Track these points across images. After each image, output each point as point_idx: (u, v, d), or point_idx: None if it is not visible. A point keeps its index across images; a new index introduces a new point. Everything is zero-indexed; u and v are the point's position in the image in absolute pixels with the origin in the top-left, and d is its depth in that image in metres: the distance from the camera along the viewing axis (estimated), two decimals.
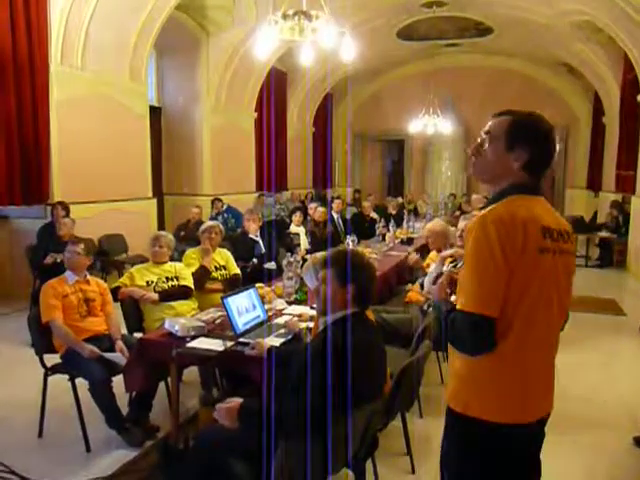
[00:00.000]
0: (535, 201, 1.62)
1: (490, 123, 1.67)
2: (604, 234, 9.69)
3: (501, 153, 1.62)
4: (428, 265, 4.61)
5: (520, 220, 1.51)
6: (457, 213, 10.50)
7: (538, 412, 1.65)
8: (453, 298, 1.70)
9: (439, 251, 4.68)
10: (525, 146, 1.59)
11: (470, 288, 1.52)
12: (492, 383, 1.58)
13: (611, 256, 9.67)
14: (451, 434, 1.70)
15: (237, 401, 2.12)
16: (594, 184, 12.60)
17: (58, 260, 4.98)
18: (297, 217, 7.49)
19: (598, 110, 12.39)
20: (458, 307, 1.54)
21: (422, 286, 4.43)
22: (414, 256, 4.99)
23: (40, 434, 3.36)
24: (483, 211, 1.59)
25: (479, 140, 1.68)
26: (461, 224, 4.03)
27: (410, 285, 4.69)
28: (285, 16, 4.29)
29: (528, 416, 1.61)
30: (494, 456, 1.61)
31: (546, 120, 1.64)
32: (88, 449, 3.19)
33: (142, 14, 7.32)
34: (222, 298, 3.06)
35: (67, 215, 6.30)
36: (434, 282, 1.82)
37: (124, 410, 3.37)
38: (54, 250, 5.24)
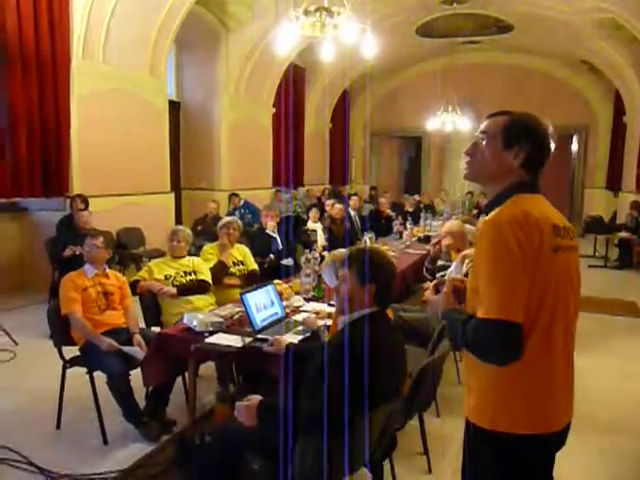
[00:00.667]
0: (538, 199, 1.60)
1: (485, 123, 1.65)
2: (624, 235, 9.56)
3: (499, 151, 1.59)
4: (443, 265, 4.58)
5: (534, 219, 1.48)
6: (475, 212, 10.43)
7: (564, 418, 1.61)
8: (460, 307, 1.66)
9: (458, 251, 4.65)
10: (524, 143, 1.57)
11: (491, 294, 1.45)
12: (519, 393, 1.52)
13: (631, 257, 9.54)
14: (478, 453, 1.62)
15: (256, 399, 2.11)
16: (614, 184, 12.44)
17: (77, 253, 4.99)
18: (313, 213, 7.50)
19: (619, 109, 12.22)
20: (480, 315, 1.47)
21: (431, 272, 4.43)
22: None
23: (58, 426, 3.40)
24: (492, 213, 1.55)
25: (474, 140, 1.65)
26: (480, 223, 3.99)
27: (428, 283, 4.65)
28: (307, 12, 4.27)
29: (556, 424, 1.57)
30: (527, 469, 1.56)
31: (542, 120, 1.62)
32: (105, 442, 3.22)
33: (163, 9, 7.34)
34: (241, 294, 3.06)
35: (86, 208, 6.36)
36: (435, 292, 1.76)
37: (141, 404, 3.40)
38: (73, 243, 5.27)
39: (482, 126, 1.65)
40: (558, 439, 1.61)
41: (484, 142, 1.62)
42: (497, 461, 1.57)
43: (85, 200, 6.38)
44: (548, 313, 1.49)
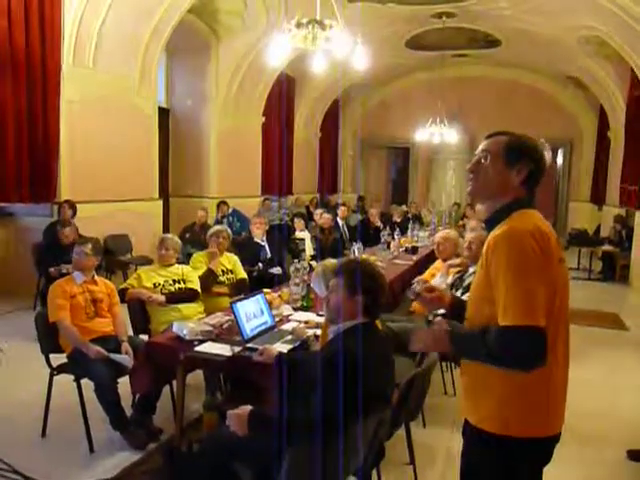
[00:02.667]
0: (537, 214, 1.68)
1: (486, 142, 1.73)
2: (607, 248, 9.70)
3: (501, 169, 1.67)
4: (433, 275, 4.63)
5: (545, 232, 1.57)
6: (461, 223, 10.52)
7: (562, 420, 1.70)
8: (441, 311, 1.73)
9: (445, 260, 4.70)
10: (526, 162, 1.66)
11: (516, 301, 1.49)
12: (535, 397, 1.59)
13: (614, 270, 9.67)
14: (485, 457, 1.68)
15: (247, 408, 2.12)
16: (598, 198, 12.61)
17: (63, 271, 4.91)
18: (298, 223, 7.50)
19: (603, 124, 12.42)
20: (505, 323, 1.51)
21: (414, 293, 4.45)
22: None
23: (44, 433, 3.37)
24: (498, 227, 1.62)
25: (476, 158, 1.73)
26: (469, 235, 4.05)
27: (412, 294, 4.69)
28: (299, 25, 4.32)
29: (560, 425, 1.67)
30: (534, 471, 1.66)
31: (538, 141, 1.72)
32: (92, 450, 3.21)
33: (154, 17, 7.36)
34: (231, 303, 3.08)
35: (74, 214, 6.34)
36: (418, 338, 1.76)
37: (128, 412, 3.38)
38: (59, 253, 5.24)
39: (483, 145, 1.73)
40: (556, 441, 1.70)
41: (487, 160, 1.70)
42: (508, 465, 1.64)
43: (73, 206, 6.37)
44: (555, 321, 1.56)
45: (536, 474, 1.69)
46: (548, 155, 1.73)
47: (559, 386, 1.64)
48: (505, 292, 1.52)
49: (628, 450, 3.39)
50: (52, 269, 5.18)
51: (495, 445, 1.62)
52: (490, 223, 1.70)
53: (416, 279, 4.74)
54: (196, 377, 3.84)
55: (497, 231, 1.60)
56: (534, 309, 1.48)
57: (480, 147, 1.74)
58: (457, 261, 4.19)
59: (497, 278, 1.55)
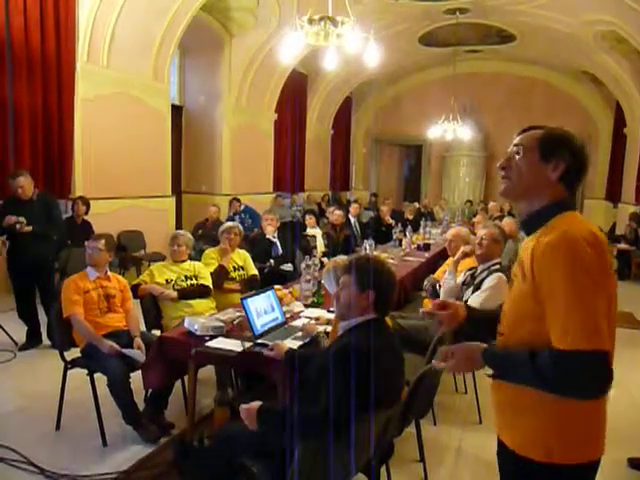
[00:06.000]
0: (582, 217, 1.51)
1: (520, 136, 1.58)
2: (622, 246, 9.60)
3: (536, 164, 1.51)
4: (445, 272, 4.61)
5: (600, 239, 1.39)
6: (474, 220, 10.46)
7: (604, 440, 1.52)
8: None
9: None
10: (562, 155, 1.50)
11: (576, 322, 1.31)
12: (582, 420, 1.44)
13: (629, 268, 9.57)
14: None
15: (257, 403, 2.14)
16: (613, 195, 12.49)
17: (19, 221, 4.61)
18: (309, 220, 7.49)
19: (619, 121, 12.29)
20: (564, 347, 1.32)
21: (433, 293, 4.44)
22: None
23: (58, 427, 3.41)
24: (551, 232, 1.42)
25: (508, 153, 1.58)
26: (481, 232, 4.02)
27: (425, 292, 4.68)
28: (311, 21, 4.31)
29: (603, 449, 1.49)
30: None
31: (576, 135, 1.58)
32: (104, 443, 3.24)
33: (167, 15, 7.41)
34: (242, 299, 3.09)
35: (87, 210, 6.41)
36: (443, 357, 1.57)
37: (140, 406, 3.42)
38: (75, 241, 5.26)
39: (516, 139, 1.58)
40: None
41: (519, 155, 1.54)
42: None
43: (87, 202, 6.43)
44: (611, 335, 1.39)
45: None
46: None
47: (604, 406, 1.48)
48: (565, 311, 1.33)
49: (629, 458, 3.25)
50: (7, 218, 4.64)
51: (537, 473, 1.46)
52: (528, 226, 1.54)
53: (428, 278, 4.76)
54: (208, 372, 3.86)
55: (544, 237, 1.41)
56: (599, 331, 1.31)
57: (514, 142, 1.58)
58: (459, 254, 4.19)
59: (552, 294, 1.36)
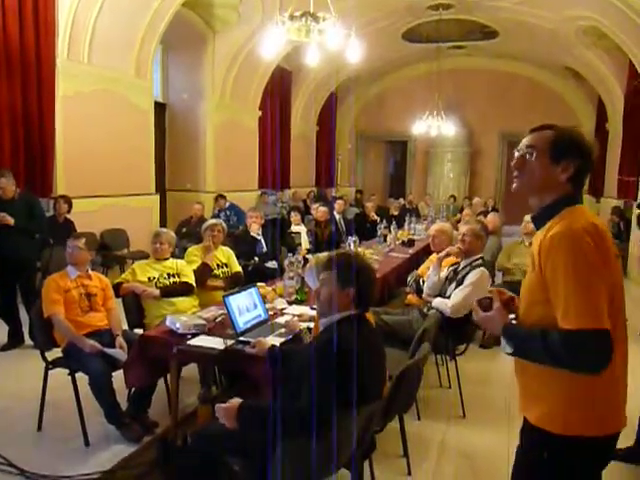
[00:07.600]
0: (587, 209, 1.64)
1: (531, 136, 1.68)
2: None
3: (547, 165, 1.62)
4: (428, 268, 4.63)
5: (602, 228, 1.55)
6: (458, 216, 10.52)
7: (625, 417, 1.65)
8: (511, 317, 1.68)
9: (437, 253, 4.69)
10: (572, 158, 1.61)
11: (579, 304, 1.46)
12: (595, 395, 1.56)
13: None
14: (543, 456, 1.62)
15: (236, 401, 2.13)
16: (596, 190, 12.59)
17: None
18: (294, 217, 7.48)
19: (601, 116, 12.40)
20: (569, 326, 1.47)
21: (416, 289, 4.45)
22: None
23: (39, 427, 3.38)
24: (556, 225, 1.56)
25: (520, 153, 1.68)
26: (462, 228, 4.05)
27: (409, 288, 4.69)
28: (292, 17, 4.30)
29: (621, 423, 1.62)
30: (593, 471, 1.64)
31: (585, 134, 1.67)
32: (87, 443, 3.21)
33: (149, 10, 7.33)
34: (223, 297, 3.08)
35: (69, 209, 6.35)
36: (482, 307, 1.71)
37: (123, 405, 3.39)
38: (57, 240, 5.21)
39: (528, 140, 1.68)
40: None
41: (532, 157, 1.64)
42: (566, 465, 1.61)
43: (69, 201, 6.36)
44: (614, 318, 1.52)
45: (595, 474, 1.65)
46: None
47: (620, 384, 1.61)
48: (566, 294, 1.48)
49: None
50: None
51: (554, 444, 1.59)
52: (538, 220, 1.67)
53: (411, 274, 4.77)
54: (191, 370, 3.85)
55: (550, 231, 1.55)
56: (598, 311, 1.45)
57: (524, 142, 1.68)
58: (444, 253, 4.19)
59: (555, 280, 1.51)
